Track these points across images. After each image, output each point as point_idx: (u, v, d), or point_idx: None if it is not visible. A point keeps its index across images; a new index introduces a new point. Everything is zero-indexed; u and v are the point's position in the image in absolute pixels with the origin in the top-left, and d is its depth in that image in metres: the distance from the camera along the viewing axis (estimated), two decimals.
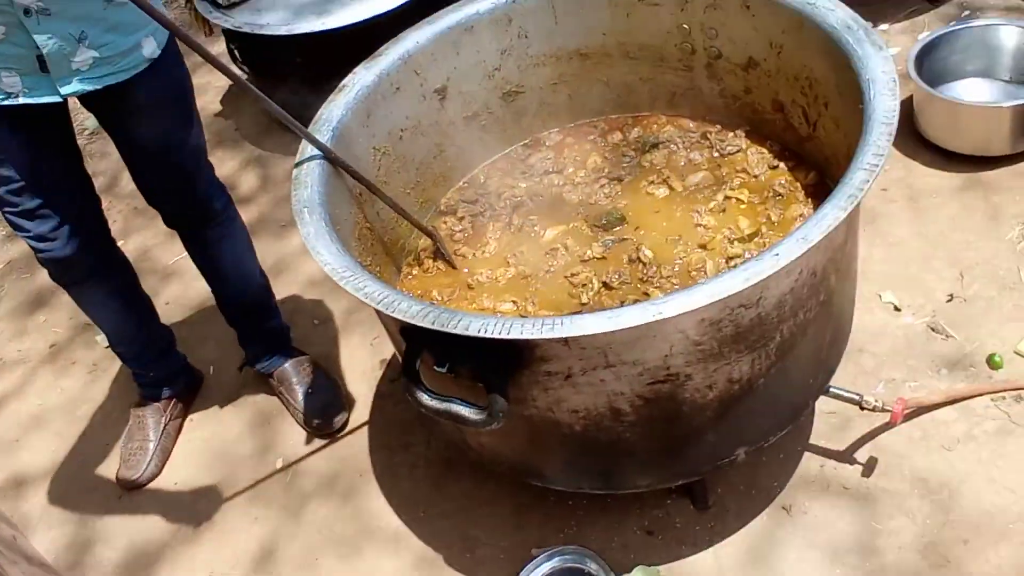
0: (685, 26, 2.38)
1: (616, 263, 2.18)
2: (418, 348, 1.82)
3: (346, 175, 2.12)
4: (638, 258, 2.16)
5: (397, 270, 2.38)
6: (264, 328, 2.79)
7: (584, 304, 2.11)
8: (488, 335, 1.65)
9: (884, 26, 3.62)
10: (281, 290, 3.14)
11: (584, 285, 2.14)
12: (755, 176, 2.30)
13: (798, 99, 2.28)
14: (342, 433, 2.76)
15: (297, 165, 2.08)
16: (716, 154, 2.40)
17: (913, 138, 3.10)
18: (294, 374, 2.82)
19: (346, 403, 2.80)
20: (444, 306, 2.15)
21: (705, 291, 1.62)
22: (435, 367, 1.80)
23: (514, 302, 2.16)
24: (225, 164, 3.85)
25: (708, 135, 2.45)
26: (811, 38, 2.12)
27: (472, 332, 1.65)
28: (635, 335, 1.69)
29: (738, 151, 2.38)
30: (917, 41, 3.15)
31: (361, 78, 2.28)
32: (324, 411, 2.76)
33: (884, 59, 1.93)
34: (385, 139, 2.33)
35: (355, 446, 2.71)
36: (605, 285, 2.12)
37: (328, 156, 2.06)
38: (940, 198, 2.93)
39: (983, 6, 3.58)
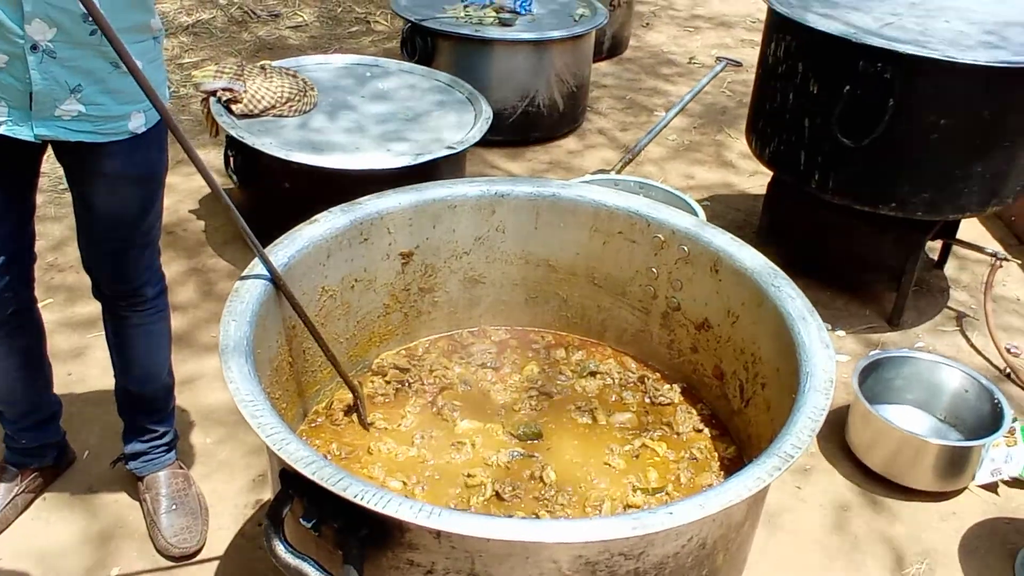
0: (654, 270, 2.43)
1: (516, 475, 2.13)
2: (290, 495, 1.75)
3: (285, 303, 2.09)
4: (540, 477, 2.11)
5: (303, 414, 2.32)
6: (151, 429, 2.68)
7: (470, 506, 2.04)
8: (363, 503, 1.58)
9: (840, 332, 3.72)
10: (187, 401, 3.05)
11: (478, 486, 2.08)
12: (677, 433, 2.30)
13: (739, 372, 2.30)
14: (191, 561, 2.61)
15: (242, 278, 2.05)
16: (648, 400, 2.40)
17: (841, 449, 3.12)
18: (164, 484, 2.70)
19: (204, 531, 2.67)
20: (334, 462, 2.07)
21: (590, 527, 1.57)
22: (301, 519, 1.72)
23: (404, 482, 2.09)
24: (177, 261, 3.82)
25: (646, 380, 2.46)
26: (766, 317, 2.16)
27: (348, 495, 1.59)
28: (508, 550, 1.63)
29: (669, 404, 2.39)
30: (867, 356, 3.23)
31: (335, 218, 2.29)
32: (180, 532, 2.62)
33: (828, 358, 1.96)
34: (336, 283, 2.32)
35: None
36: (497, 495, 2.07)
37: (274, 277, 2.04)
38: (850, 512, 2.92)
39: (937, 343, 3.69)
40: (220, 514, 2.78)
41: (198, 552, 2.66)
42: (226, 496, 2.83)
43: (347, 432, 2.28)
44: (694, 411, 2.38)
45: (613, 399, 2.41)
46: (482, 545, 1.63)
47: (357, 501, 1.59)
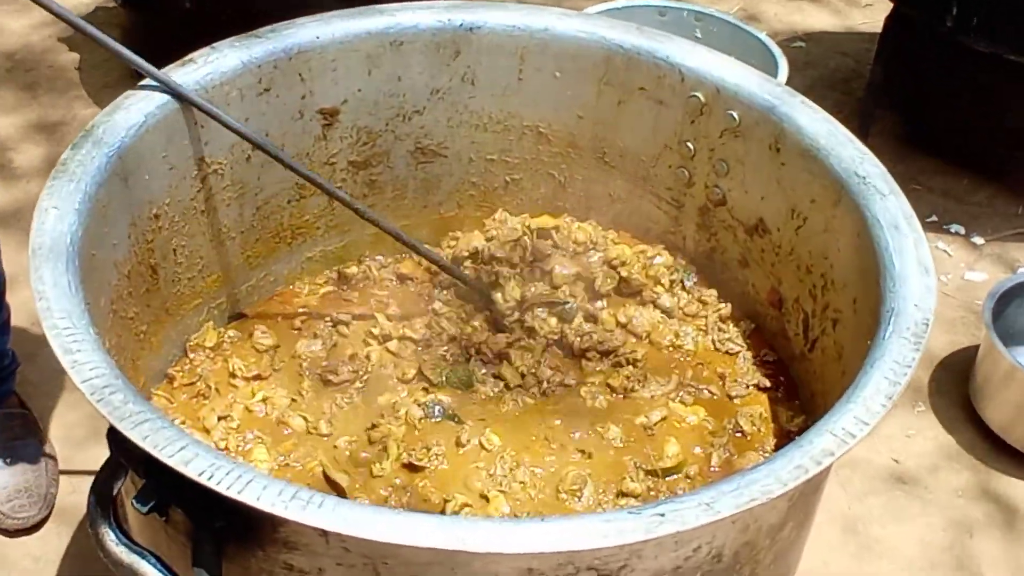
0: (690, 145, 2.29)
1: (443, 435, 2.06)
2: (123, 465, 1.66)
3: (142, 180, 2.02)
4: (480, 443, 2.02)
5: (180, 344, 2.26)
6: None
7: (373, 476, 1.97)
8: (211, 484, 1.49)
9: (978, 239, 3.57)
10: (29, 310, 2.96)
11: (382, 447, 2.00)
12: (729, 394, 2.21)
13: (803, 299, 2.18)
14: (30, 535, 2.59)
15: (73, 147, 1.94)
16: (699, 338, 2.32)
17: (963, 409, 3.01)
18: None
19: (51, 496, 2.62)
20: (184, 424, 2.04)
21: (544, 530, 1.47)
22: (134, 500, 1.64)
23: (281, 454, 2.04)
24: (35, 109, 3.73)
25: (705, 309, 2.37)
26: (844, 222, 2.03)
27: (191, 472, 1.50)
28: (427, 559, 1.54)
29: (737, 351, 2.30)
30: (1012, 276, 3.09)
31: (220, 59, 2.16)
32: (16, 497, 2.58)
33: (925, 289, 1.84)
34: (223, 153, 2.20)
35: (34, 560, 2.51)
36: (411, 466, 1.98)
37: (183, 96, 2.02)
38: (972, 511, 2.81)
39: None
40: (76, 468, 2.74)
41: (43, 522, 2.64)
42: (85, 445, 2.77)
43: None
44: (754, 362, 2.30)
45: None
46: (388, 551, 1.54)
47: (205, 482, 1.49)
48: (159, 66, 2.09)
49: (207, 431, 2.11)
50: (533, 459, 2.04)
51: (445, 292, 2.40)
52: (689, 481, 2.04)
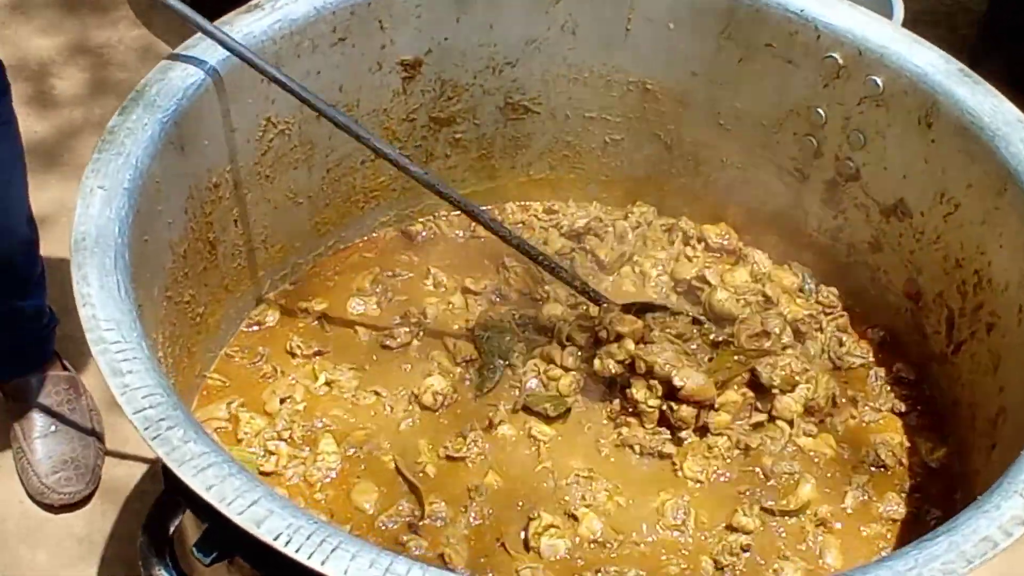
0: (821, 111, 2.02)
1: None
2: (178, 504, 1.43)
3: (198, 150, 1.76)
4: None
5: (237, 318, 2.04)
6: (13, 310, 2.37)
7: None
8: (290, 552, 1.25)
9: None
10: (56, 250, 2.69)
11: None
12: (861, 419, 1.96)
13: (948, 295, 1.93)
14: (78, 510, 2.40)
15: (122, 112, 1.68)
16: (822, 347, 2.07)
17: None
18: (38, 394, 2.43)
19: (96, 471, 2.41)
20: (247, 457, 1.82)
21: None
22: (194, 548, 1.40)
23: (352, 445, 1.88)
24: (58, 28, 3.46)
25: (820, 307, 2.11)
26: (1011, 218, 1.76)
27: (264, 535, 1.26)
28: None
29: (859, 362, 2.04)
30: None
31: (292, 4, 1.91)
32: (63, 469, 2.38)
33: None
34: (292, 111, 1.95)
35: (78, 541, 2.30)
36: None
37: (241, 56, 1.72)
38: None
39: None
40: (126, 441, 2.52)
41: (89, 498, 2.45)
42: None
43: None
44: (887, 379, 2.04)
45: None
46: None
47: (280, 547, 1.26)
48: (227, 9, 1.85)
49: (269, 415, 1.91)
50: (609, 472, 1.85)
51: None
52: (820, 526, 1.81)
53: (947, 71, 1.87)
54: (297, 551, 1.25)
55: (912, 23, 3.66)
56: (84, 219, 1.54)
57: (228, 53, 1.78)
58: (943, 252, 1.92)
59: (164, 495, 1.48)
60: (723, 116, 2.14)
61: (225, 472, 1.31)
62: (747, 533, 1.75)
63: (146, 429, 1.34)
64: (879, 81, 1.92)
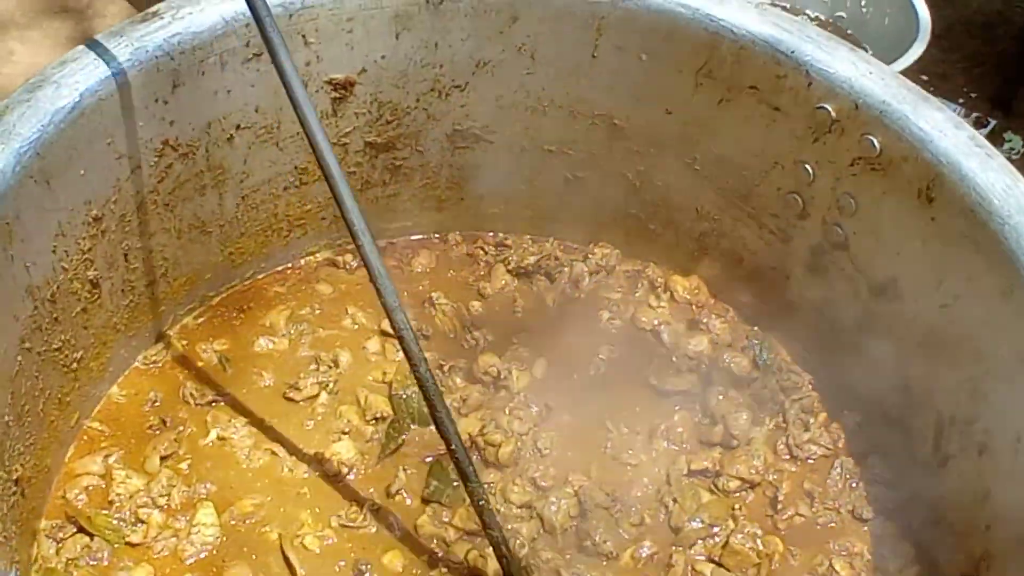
0: (808, 168, 1.74)
1: None
2: None
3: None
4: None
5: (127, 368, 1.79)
6: None
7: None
8: None
9: None
10: None
11: None
12: (814, 521, 1.72)
13: (940, 399, 1.68)
14: None
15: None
16: (776, 428, 1.81)
17: None
18: None
19: None
20: None
21: None
22: None
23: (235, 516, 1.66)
24: None
25: (779, 387, 1.85)
26: (1014, 321, 1.50)
27: None
28: None
29: (821, 453, 1.80)
30: None
31: (197, 14, 1.66)
32: None
33: None
34: (196, 133, 1.73)
35: None
36: None
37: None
38: None
39: None
40: None
41: None
42: None
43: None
44: (857, 469, 1.76)
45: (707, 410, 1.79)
46: None
47: None
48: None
49: (149, 475, 1.69)
50: None
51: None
52: None
53: (956, 138, 1.58)
54: None
55: (946, 33, 3.39)
56: None
57: (115, 70, 1.52)
58: (937, 347, 1.65)
59: None
60: (699, 161, 1.87)
61: None
62: None
63: None
64: (876, 142, 1.63)
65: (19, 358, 1.49)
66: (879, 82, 1.64)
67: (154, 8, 1.61)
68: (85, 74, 1.52)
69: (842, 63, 1.66)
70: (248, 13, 1.57)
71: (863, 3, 2.75)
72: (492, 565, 1.53)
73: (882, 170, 1.65)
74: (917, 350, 1.68)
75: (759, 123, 1.76)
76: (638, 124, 1.87)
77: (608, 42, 1.79)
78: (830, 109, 1.67)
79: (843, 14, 2.75)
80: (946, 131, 1.59)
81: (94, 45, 1.54)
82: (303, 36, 1.69)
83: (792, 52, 1.68)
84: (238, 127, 1.73)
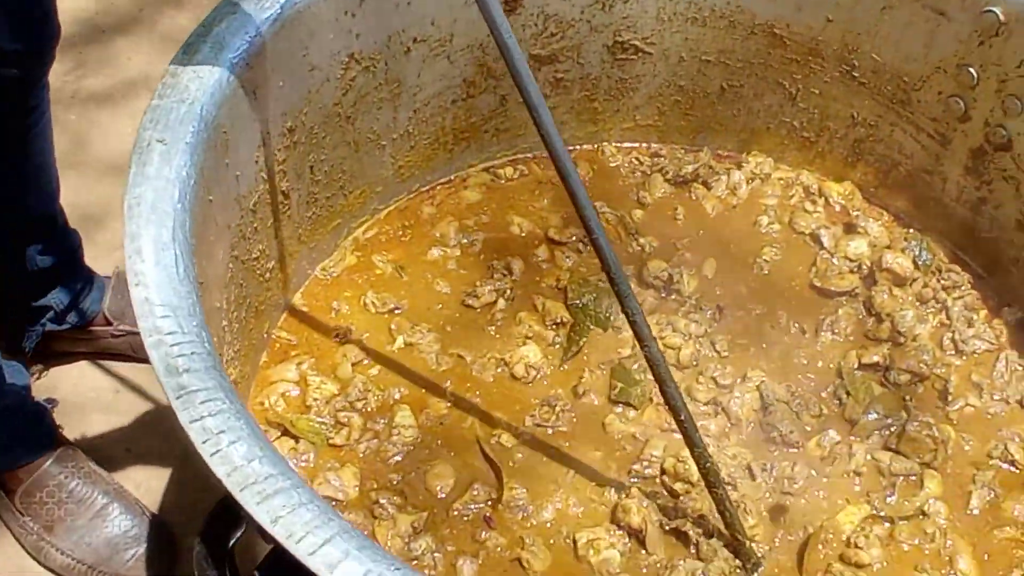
0: (972, 71, 1.79)
1: None
2: (236, 516, 1.25)
3: (273, 87, 1.56)
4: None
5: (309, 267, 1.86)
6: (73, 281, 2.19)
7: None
8: None
9: None
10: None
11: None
12: (984, 411, 1.75)
13: None
14: None
15: (185, 48, 1.46)
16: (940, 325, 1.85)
17: None
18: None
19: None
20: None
21: None
22: (256, 573, 1.22)
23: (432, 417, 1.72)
24: None
25: (940, 286, 1.89)
26: None
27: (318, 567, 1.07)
28: None
29: (985, 347, 1.84)
30: None
31: None
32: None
33: None
34: (376, 46, 1.76)
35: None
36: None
37: None
38: None
39: None
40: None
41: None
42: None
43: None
44: (1022, 361, 1.80)
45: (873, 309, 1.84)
46: None
47: None
48: None
49: (341, 381, 1.73)
50: None
51: None
52: (935, 529, 1.60)
53: None
54: None
55: None
56: (139, 179, 1.34)
57: None
58: None
59: (222, 504, 1.29)
60: (858, 69, 1.91)
61: (295, 501, 1.11)
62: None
63: (204, 443, 1.15)
64: None
65: (230, 265, 1.55)
66: None
67: None
68: None
69: None
70: None
71: None
72: (694, 464, 1.57)
73: None
74: None
75: (922, 28, 1.80)
76: (798, 32, 1.91)
77: None
78: (998, 12, 1.71)
79: None
80: None
81: None
82: None
83: None
84: (415, 40, 1.78)
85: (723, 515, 1.50)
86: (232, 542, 1.30)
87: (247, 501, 1.11)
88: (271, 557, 1.24)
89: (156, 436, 2.21)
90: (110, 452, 2.16)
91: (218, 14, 1.52)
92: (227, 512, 1.30)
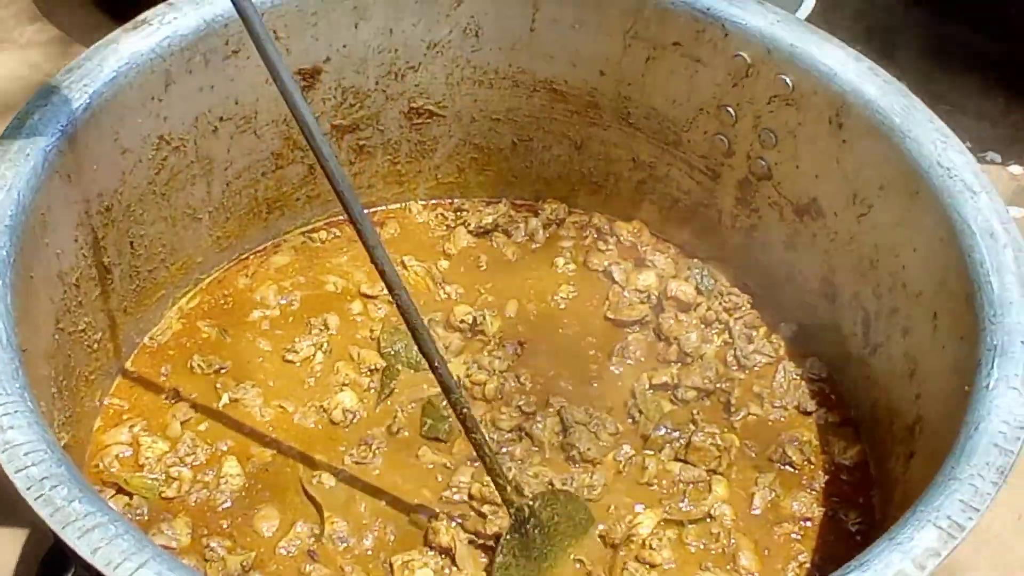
0: (730, 110, 1.97)
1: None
2: (65, 559, 1.37)
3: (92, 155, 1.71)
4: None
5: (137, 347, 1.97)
6: None
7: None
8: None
9: (1016, 168, 3.23)
10: None
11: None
12: (765, 418, 1.93)
13: (864, 297, 1.90)
14: None
15: (17, 122, 1.62)
16: (724, 344, 2.04)
17: None
18: None
19: None
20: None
21: None
22: None
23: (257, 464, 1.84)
24: None
25: (722, 308, 2.07)
26: (925, 221, 1.73)
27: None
28: None
29: (765, 361, 2.01)
30: None
31: (181, 18, 1.82)
32: None
33: None
34: (186, 127, 1.88)
35: None
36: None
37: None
38: None
39: None
40: None
41: None
42: None
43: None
44: (799, 375, 2.00)
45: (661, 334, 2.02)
46: None
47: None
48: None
49: (171, 439, 1.85)
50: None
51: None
52: (720, 529, 1.78)
53: (857, 70, 1.82)
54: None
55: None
56: None
57: (115, 73, 1.71)
58: (857, 253, 1.88)
59: (53, 549, 1.41)
60: (633, 116, 2.08)
61: (111, 533, 1.25)
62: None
63: (28, 488, 1.28)
64: (788, 80, 1.87)
65: (56, 337, 1.67)
66: (786, 28, 1.87)
67: (142, 16, 1.79)
68: (91, 78, 1.70)
69: (753, 15, 1.89)
70: (225, 14, 1.79)
71: None
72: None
73: (795, 104, 1.88)
74: (841, 259, 1.92)
75: (684, 75, 1.98)
76: (576, 87, 2.08)
77: (544, 15, 2.00)
78: (746, 56, 1.90)
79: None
80: (848, 64, 1.83)
81: (94, 53, 1.72)
82: (274, 31, 1.87)
83: (708, 9, 1.91)
84: (221, 119, 1.91)
85: (483, 460, 1.62)
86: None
87: (69, 537, 1.24)
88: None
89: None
90: None
91: (31, 107, 1.65)
92: (56, 556, 1.42)
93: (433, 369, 1.55)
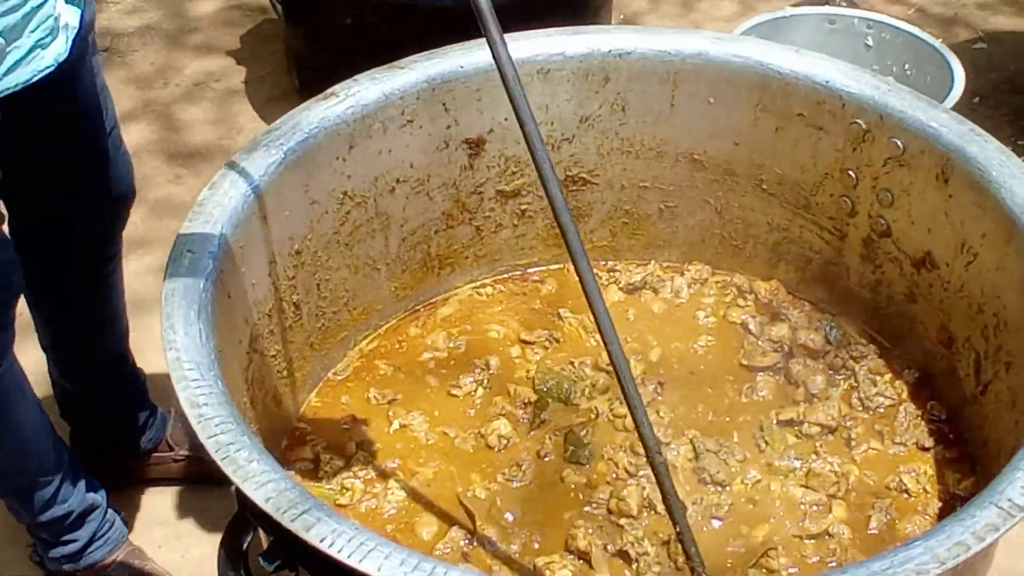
0: (851, 173, 2.17)
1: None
2: (247, 522, 1.63)
3: (281, 214, 2.01)
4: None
5: (320, 375, 2.23)
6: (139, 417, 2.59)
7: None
8: (332, 552, 1.44)
9: None
10: None
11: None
12: (885, 452, 2.09)
13: (975, 339, 2.04)
14: None
15: (211, 186, 1.92)
16: (851, 383, 2.20)
17: None
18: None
19: None
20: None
21: None
22: (260, 557, 1.60)
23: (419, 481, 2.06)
24: (201, 125, 3.73)
25: (849, 356, 2.24)
26: (1018, 263, 1.89)
27: (311, 539, 1.45)
28: None
29: (888, 403, 2.17)
30: None
31: (363, 91, 2.12)
32: None
33: None
34: (367, 185, 2.16)
35: None
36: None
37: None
38: None
39: None
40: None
41: None
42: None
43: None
44: (921, 416, 2.15)
45: (799, 385, 2.20)
46: None
47: (324, 548, 1.45)
48: (316, 80, 2.16)
49: (347, 458, 2.10)
50: None
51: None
52: (839, 546, 1.93)
53: (959, 132, 2.01)
54: (339, 552, 1.43)
55: (990, 91, 3.77)
56: (173, 276, 1.77)
57: (307, 135, 2.02)
58: (967, 299, 2.04)
59: (236, 515, 1.67)
60: (766, 182, 2.29)
61: (282, 487, 1.50)
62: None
63: (217, 451, 1.55)
64: (900, 143, 2.07)
65: (249, 354, 1.96)
66: (896, 96, 2.08)
67: (331, 89, 2.11)
68: (286, 138, 2.01)
69: (866, 86, 2.11)
70: (401, 89, 2.09)
71: (906, 67, 3.20)
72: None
73: (907, 165, 2.08)
74: (955, 306, 2.07)
75: (808, 143, 2.20)
76: (713, 156, 2.31)
77: (682, 92, 2.24)
78: (861, 122, 2.11)
79: (891, 78, 3.19)
80: (951, 126, 2.02)
81: (290, 117, 2.04)
82: (443, 104, 2.17)
83: (827, 82, 2.13)
84: (398, 180, 2.19)
85: (673, 524, 1.76)
86: (244, 545, 1.68)
87: (248, 488, 1.51)
88: (271, 545, 1.61)
89: (210, 544, 2.60)
90: (167, 557, 2.57)
91: (236, 159, 1.97)
92: (238, 522, 1.68)
93: (640, 434, 1.74)
